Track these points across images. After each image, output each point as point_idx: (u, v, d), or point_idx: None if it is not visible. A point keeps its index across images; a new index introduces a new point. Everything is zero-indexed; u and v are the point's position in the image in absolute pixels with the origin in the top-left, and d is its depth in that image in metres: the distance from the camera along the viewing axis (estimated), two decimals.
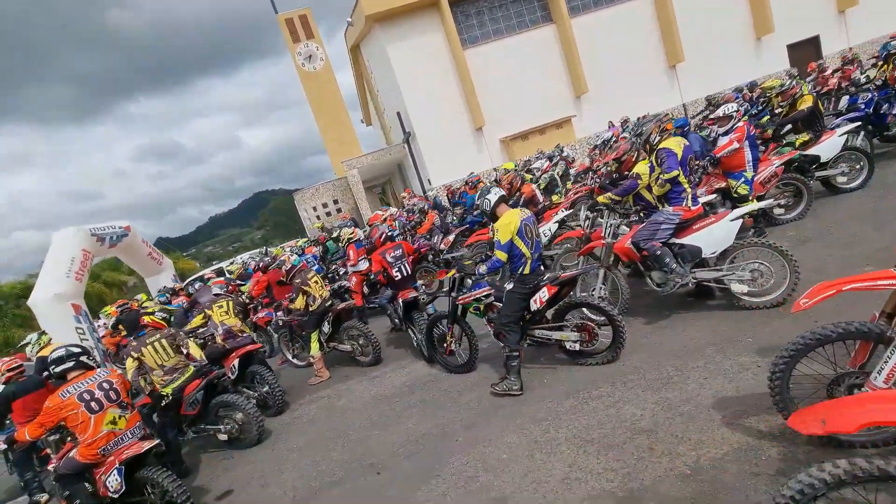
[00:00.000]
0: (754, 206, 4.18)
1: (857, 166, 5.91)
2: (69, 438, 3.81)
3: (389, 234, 5.50)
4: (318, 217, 30.81)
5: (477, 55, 19.17)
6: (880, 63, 7.08)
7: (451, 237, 9.52)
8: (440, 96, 19.06)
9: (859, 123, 6.01)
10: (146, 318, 4.62)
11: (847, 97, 7.30)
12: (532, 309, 3.87)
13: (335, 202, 30.97)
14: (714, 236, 3.86)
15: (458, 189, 13.12)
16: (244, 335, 5.38)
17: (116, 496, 3.33)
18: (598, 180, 8.85)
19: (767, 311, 3.79)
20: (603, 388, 3.52)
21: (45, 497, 5.06)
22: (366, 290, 7.71)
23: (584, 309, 4.04)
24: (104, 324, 11.00)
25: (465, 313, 4.46)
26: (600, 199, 4.84)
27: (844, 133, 5.71)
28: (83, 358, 3.52)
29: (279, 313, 7.09)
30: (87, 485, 3.47)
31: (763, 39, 21.22)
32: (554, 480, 2.72)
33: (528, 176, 9.40)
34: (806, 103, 5.74)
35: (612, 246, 4.44)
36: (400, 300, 5.23)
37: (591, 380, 3.68)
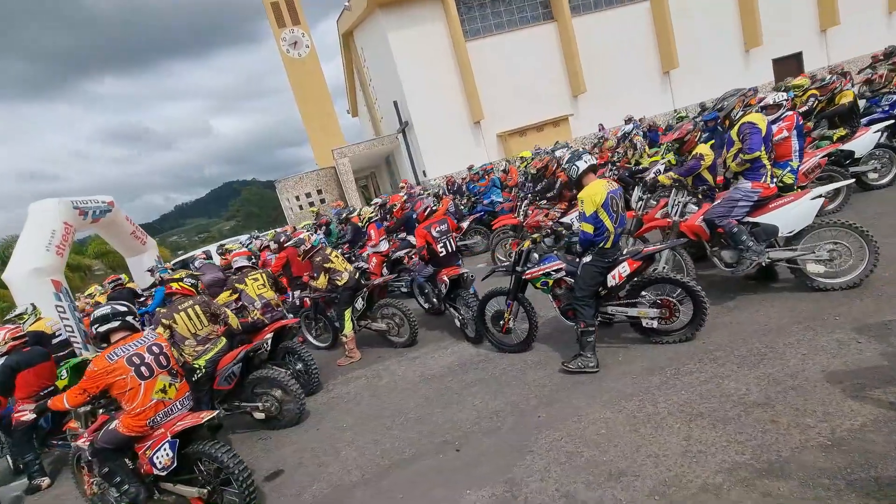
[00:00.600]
0: (837, 184, 4.16)
1: (888, 163, 6.05)
2: (101, 410, 3.40)
3: (434, 207, 5.24)
4: (300, 207, 30.11)
5: (478, 48, 19.03)
6: None
7: (465, 224, 9.32)
8: (440, 87, 18.82)
9: (893, 122, 6.14)
10: (174, 286, 4.21)
11: (866, 100, 7.49)
12: (609, 284, 3.71)
13: (319, 192, 30.28)
14: (793, 215, 3.80)
15: (464, 179, 12.94)
16: (279, 309, 5.02)
17: (164, 473, 2.98)
18: (616, 172, 8.85)
19: (844, 292, 3.75)
20: (689, 364, 3.39)
21: (46, 481, 4.58)
22: (385, 271, 7.43)
23: (644, 290, 3.87)
24: (87, 304, 10.27)
25: (525, 289, 4.28)
26: (662, 178, 4.74)
27: (879, 130, 5.83)
28: (129, 318, 3.13)
29: (296, 293, 6.72)
30: (126, 461, 3.10)
31: (751, 52, 21.97)
32: (673, 454, 2.56)
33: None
34: (846, 98, 5.83)
35: (679, 224, 4.34)
36: (445, 277, 4.98)
37: (673, 357, 3.55)
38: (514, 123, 19.35)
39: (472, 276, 5.07)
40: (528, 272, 4.04)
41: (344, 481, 3.22)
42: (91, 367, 2.91)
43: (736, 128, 3.93)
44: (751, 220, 3.95)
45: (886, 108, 6.73)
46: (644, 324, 3.74)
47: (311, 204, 29.71)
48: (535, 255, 4.10)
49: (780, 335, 3.42)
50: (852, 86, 10.44)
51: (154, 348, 3.09)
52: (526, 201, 7.18)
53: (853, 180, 4.81)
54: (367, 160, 26.32)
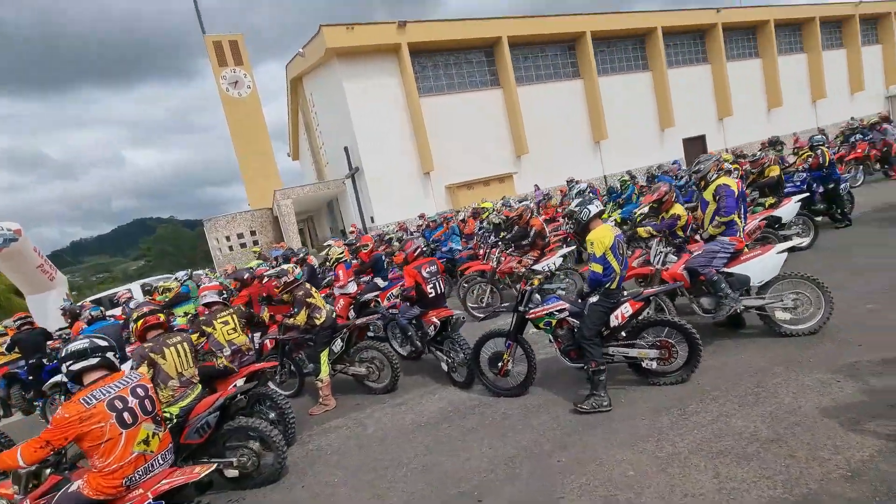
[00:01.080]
0: (794, 242, 4.72)
1: (806, 229, 7.04)
2: (49, 470, 2.79)
3: (423, 249, 5.18)
4: (230, 248, 28.46)
5: (431, 104, 19.93)
6: (805, 151, 8.69)
7: None
8: (392, 137, 19.27)
9: (808, 194, 7.22)
10: (161, 317, 3.68)
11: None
12: (612, 324, 3.84)
13: (253, 233, 28.92)
14: (763, 267, 4.24)
15: (419, 227, 13.05)
16: (250, 354, 4.56)
17: None
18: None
19: (808, 338, 4.17)
20: (692, 405, 3.53)
21: None
22: (352, 314, 7.10)
23: (643, 332, 4.03)
24: None
25: (523, 330, 4.28)
26: (641, 231, 5.12)
27: (800, 200, 6.81)
28: (110, 355, 2.68)
29: (257, 335, 6.17)
30: None
31: (666, 131, 25.14)
32: (708, 492, 2.59)
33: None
34: (774, 172, 6.80)
35: (661, 272, 4.66)
36: (435, 319, 4.86)
37: (674, 398, 3.68)
38: (463, 177, 20.14)
39: (463, 318, 4.99)
40: (531, 312, 4.07)
41: None
42: (60, 414, 2.40)
43: (711, 189, 4.41)
44: (726, 270, 4.34)
45: (798, 184, 7.92)
46: (644, 364, 3.87)
47: (243, 245, 28.23)
48: (537, 296, 4.16)
49: (767, 376, 3.70)
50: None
51: (139, 390, 2.65)
52: (498, 249, 7.35)
53: (802, 239, 5.49)
54: (310, 203, 25.75)
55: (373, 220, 19.53)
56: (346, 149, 19.92)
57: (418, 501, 3.12)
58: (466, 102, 20.70)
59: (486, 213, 9.78)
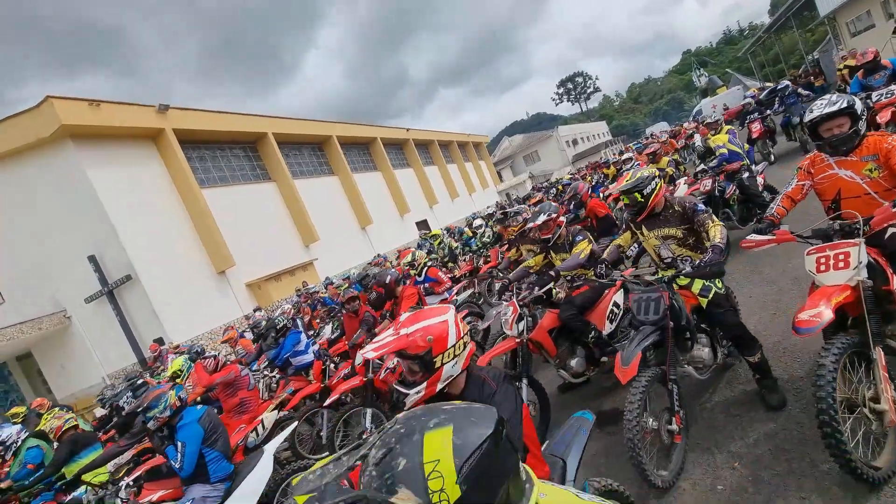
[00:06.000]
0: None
1: None
2: None
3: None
4: None
5: (216, 196, 17.37)
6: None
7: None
8: (172, 235, 15.44)
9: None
10: None
11: None
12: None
13: None
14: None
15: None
16: None
17: None
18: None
19: None
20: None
21: None
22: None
23: None
24: None
25: None
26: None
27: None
28: None
29: None
30: None
31: (404, 216, 30.15)
32: None
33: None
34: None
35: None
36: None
37: None
38: (263, 270, 17.99)
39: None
40: None
41: None
42: None
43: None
44: None
45: None
46: None
47: None
48: None
49: None
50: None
51: None
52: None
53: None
54: None
55: (163, 342, 14.45)
56: (92, 258, 14.35)
57: None
58: (249, 194, 19.04)
59: (437, 241, 10.19)
